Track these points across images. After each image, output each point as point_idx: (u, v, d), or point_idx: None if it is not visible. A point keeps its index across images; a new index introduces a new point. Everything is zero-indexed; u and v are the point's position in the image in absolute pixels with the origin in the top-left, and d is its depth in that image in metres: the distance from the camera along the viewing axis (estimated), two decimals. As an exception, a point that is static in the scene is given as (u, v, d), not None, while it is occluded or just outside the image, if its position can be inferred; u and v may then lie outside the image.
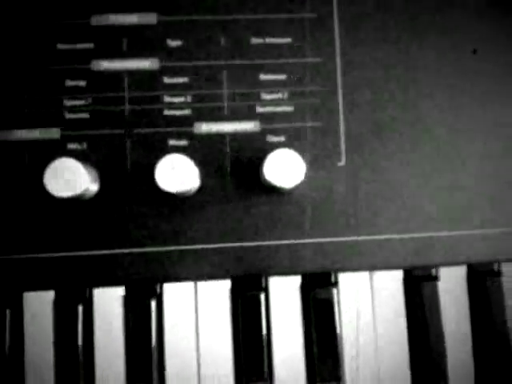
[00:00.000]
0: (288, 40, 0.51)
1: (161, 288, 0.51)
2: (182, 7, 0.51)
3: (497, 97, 0.52)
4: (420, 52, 0.52)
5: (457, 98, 0.52)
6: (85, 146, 0.50)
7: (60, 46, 0.50)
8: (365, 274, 0.52)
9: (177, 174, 0.46)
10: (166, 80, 0.51)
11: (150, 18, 0.50)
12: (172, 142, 0.50)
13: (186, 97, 0.51)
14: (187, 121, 0.50)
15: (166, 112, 0.50)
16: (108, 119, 0.50)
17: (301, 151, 0.50)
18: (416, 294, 0.52)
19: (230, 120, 0.51)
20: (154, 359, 0.50)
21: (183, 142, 0.50)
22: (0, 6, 0.49)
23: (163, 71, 0.51)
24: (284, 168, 0.47)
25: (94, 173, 0.48)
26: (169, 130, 0.50)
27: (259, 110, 0.51)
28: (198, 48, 0.51)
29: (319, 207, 0.51)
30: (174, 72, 0.51)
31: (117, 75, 0.50)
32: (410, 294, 0.52)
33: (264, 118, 0.51)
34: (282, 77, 0.51)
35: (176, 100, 0.50)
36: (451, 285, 0.52)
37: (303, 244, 0.51)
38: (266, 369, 0.50)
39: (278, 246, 0.51)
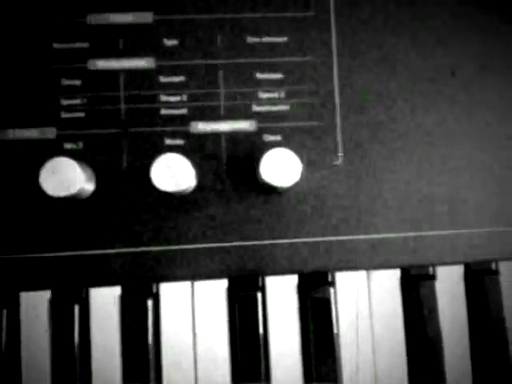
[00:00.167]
0: (284, 39, 0.51)
1: (157, 288, 0.51)
2: (178, 6, 0.51)
3: (493, 98, 0.52)
4: (418, 52, 0.52)
5: (454, 99, 0.52)
6: (81, 145, 0.50)
7: (56, 45, 0.50)
8: (362, 273, 0.52)
9: (172, 173, 0.45)
10: (162, 79, 0.50)
11: (146, 17, 0.50)
12: (168, 142, 0.50)
13: (182, 96, 0.50)
14: (183, 120, 0.50)
15: (163, 111, 0.50)
16: (104, 118, 0.50)
17: (297, 150, 0.50)
18: (413, 293, 0.51)
19: (227, 119, 0.51)
20: (151, 359, 0.49)
21: (179, 142, 0.50)
22: (-4, 5, 0.49)
23: (159, 70, 0.50)
24: (280, 167, 0.46)
25: (90, 172, 0.48)
26: (165, 129, 0.50)
27: (255, 109, 0.51)
28: (194, 47, 0.51)
29: (316, 206, 0.51)
30: (170, 71, 0.50)
31: (113, 74, 0.50)
32: (408, 294, 0.52)
33: (260, 117, 0.51)
34: (279, 76, 0.51)
35: (172, 99, 0.50)
36: (448, 284, 0.52)
37: (300, 243, 0.51)
38: (262, 369, 0.50)
39: (274, 246, 0.50)
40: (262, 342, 0.50)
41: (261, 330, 0.50)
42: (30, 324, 0.50)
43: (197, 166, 0.50)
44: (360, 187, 0.51)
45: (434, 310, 0.51)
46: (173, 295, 0.51)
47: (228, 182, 0.50)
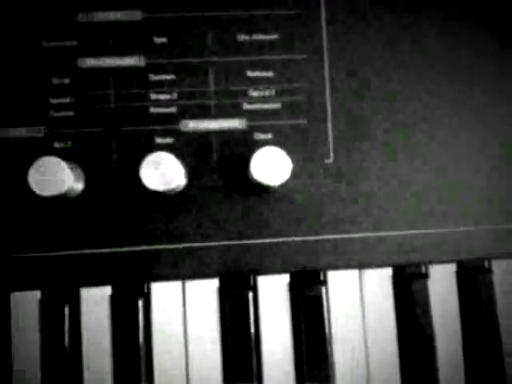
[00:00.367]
0: (275, 37, 0.51)
1: (148, 287, 0.50)
2: (167, 4, 0.50)
3: (482, 97, 0.52)
4: (409, 48, 0.52)
5: (445, 96, 0.52)
6: (70, 144, 0.49)
7: (45, 44, 0.50)
8: (354, 272, 0.51)
9: (162, 171, 0.45)
10: (152, 77, 0.50)
11: (136, 15, 0.50)
12: (158, 140, 0.50)
13: (172, 94, 0.50)
14: (174, 118, 0.50)
15: (152, 109, 0.50)
16: (93, 117, 0.50)
17: (288, 149, 0.50)
18: (406, 292, 0.51)
19: (217, 117, 0.50)
20: (142, 359, 0.49)
21: (170, 140, 0.50)
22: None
23: (149, 68, 0.50)
24: (270, 166, 0.46)
25: (79, 171, 0.48)
26: (155, 127, 0.50)
27: (246, 107, 0.50)
28: (184, 45, 0.50)
29: (307, 205, 0.50)
30: (160, 69, 0.50)
31: (102, 72, 0.50)
32: (400, 292, 0.51)
33: (251, 115, 0.50)
34: (269, 74, 0.51)
35: (162, 97, 0.50)
36: (441, 282, 0.52)
37: (291, 242, 0.50)
38: (254, 369, 0.50)
39: (266, 245, 0.50)
40: (253, 342, 0.50)
41: (252, 330, 0.50)
42: (20, 324, 0.49)
43: (187, 164, 0.50)
44: (351, 185, 0.51)
45: (426, 308, 0.51)
46: (164, 295, 0.50)
47: (219, 180, 0.50)
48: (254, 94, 0.51)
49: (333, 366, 0.50)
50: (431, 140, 0.52)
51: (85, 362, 0.49)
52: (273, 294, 0.51)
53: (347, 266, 0.51)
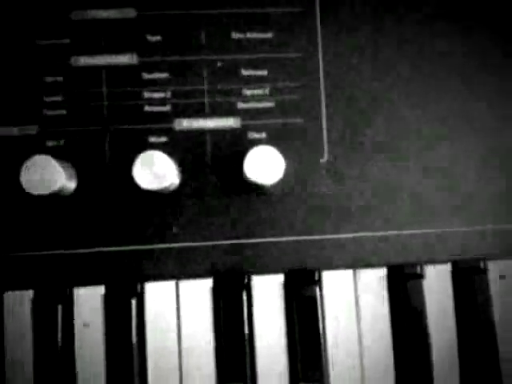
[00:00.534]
0: (269, 35, 0.51)
1: (142, 287, 0.50)
2: (161, 2, 0.50)
3: (478, 94, 0.52)
4: (403, 47, 0.51)
5: (440, 95, 0.52)
6: (63, 142, 0.49)
7: (39, 42, 0.49)
8: (348, 272, 0.51)
9: (155, 171, 0.45)
10: (146, 76, 0.50)
11: (129, 13, 0.50)
12: (152, 139, 0.50)
13: (165, 92, 0.50)
14: (167, 117, 0.50)
15: (146, 108, 0.50)
16: (87, 115, 0.49)
17: (283, 148, 0.49)
18: (401, 292, 0.51)
19: (211, 116, 0.50)
20: (135, 359, 0.49)
21: (163, 139, 0.50)
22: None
23: (142, 67, 0.50)
24: (264, 165, 0.46)
25: (71, 170, 0.47)
26: (148, 126, 0.50)
27: (240, 105, 0.50)
28: (178, 43, 0.50)
29: (302, 204, 0.50)
30: (154, 67, 0.50)
31: (95, 71, 0.50)
32: (395, 292, 0.51)
33: (245, 114, 0.50)
34: (264, 72, 0.50)
35: (156, 96, 0.50)
36: (436, 282, 0.52)
37: (286, 242, 0.50)
38: (248, 369, 0.49)
39: (260, 244, 0.50)
40: (247, 342, 0.50)
41: (246, 330, 0.50)
42: (13, 324, 0.49)
43: (181, 163, 0.49)
44: (346, 185, 0.51)
45: (421, 308, 0.51)
46: (157, 294, 0.50)
47: (213, 179, 0.50)
48: (249, 92, 0.50)
49: (327, 366, 0.50)
50: (427, 140, 0.51)
51: (78, 361, 0.49)
52: (267, 294, 0.51)
53: (342, 265, 0.51)
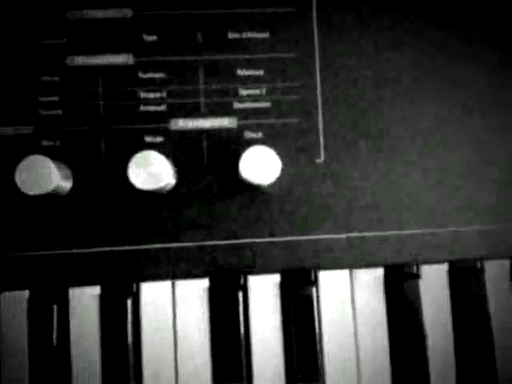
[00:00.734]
0: (266, 35, 0.50)
1: (137, 287, 0.50)
2: (157, 2, 0.50)
3: (478, 94, 0.52)
4: (401, 48, 0.51)
5: (437, 95, 0.51)
6: (58, 142, 0.49)
7: (35, 41, 0.49)
8: (345, 272, 0.51)
9: (150, 171, 0.45)
10: (142, 75, 0.50)
11: (125, 13, 0.50)
12: (148, 139, 0.50)
13: (162, 92, 0.50)
14: (163, 117, 0.50)
15: (142, 108, 0.50)
16: (82, 115, 0.49)
17: (279, 148, 0.49)
18: (397, 292, 0.51)
19: (207, 116, 0.50)
20: (131, 359, 0.49)
21: (159, 139, 0.50)
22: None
23: (138, 66, 0.50)
24: (260, 165, 0.46)
25: (67, 170, 0.47)
26: (144, 126, 0.50)
27: (236, 105, 0.50)
28: (174, 43, 0.50)
29: (298, 204, 0.50)
30: (150, 67, 0.50)
31: (92, 71, 0.50)
32: (391, 292, 0.51)
33: (241, 114, 0.50)
34: (260, 72, 0.50)
35: (152, 96, 0.50)
36: (433, 282, 0.52)
37: (282, 242, 0.50)
38: (244, 369, 0.49)
39: (256, 244, 0.50)
40: (243, 342, 0.50)
41: (242, 330, 0.50)
42: (9, 324, 0.49)
43: (177, 163, 0.49)
44: (343, 185, 0.50)
45: (417, 309, 0.51)
46: (153, 294, 0.50)
47: (209, 179, 0.50)
48: (245, 92, 0.50)
49: (323, 366, 0.50)
50: (423, 140, 0.51)
51: (73, 361, 0.49)
52: (263, 294, 0.51)
53: (338, 265, 0.51)
